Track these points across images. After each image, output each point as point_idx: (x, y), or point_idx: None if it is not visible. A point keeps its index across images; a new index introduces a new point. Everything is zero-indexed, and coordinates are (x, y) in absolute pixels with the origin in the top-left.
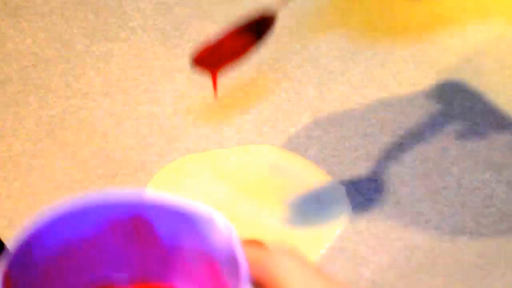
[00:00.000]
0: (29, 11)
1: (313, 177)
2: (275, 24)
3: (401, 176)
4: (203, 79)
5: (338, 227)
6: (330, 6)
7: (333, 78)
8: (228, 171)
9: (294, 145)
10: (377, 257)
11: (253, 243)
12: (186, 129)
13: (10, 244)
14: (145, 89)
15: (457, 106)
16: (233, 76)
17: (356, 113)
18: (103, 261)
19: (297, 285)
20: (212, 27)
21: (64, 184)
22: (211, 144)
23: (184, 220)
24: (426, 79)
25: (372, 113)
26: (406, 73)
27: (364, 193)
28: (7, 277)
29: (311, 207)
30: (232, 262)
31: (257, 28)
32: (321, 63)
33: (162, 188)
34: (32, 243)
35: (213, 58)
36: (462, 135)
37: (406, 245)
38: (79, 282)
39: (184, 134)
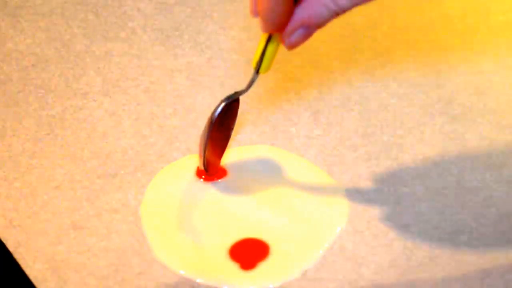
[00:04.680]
0: (29, 11)
1: (313, 177)
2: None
3: (401, 176)
4: (203, 79)
5: (338, 227)
6: None
7: (333, 78)
8: (228, 171)
9: (294, 145)
10: (377, 257)
11: (254, 243)
12: (186, 129)
13: (10, 244)
14: (145, 89)
15: (457, 106)
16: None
17: (356, 113)
18: None
19: None
20: (212, 27)
21: (64, 184)
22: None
23: None
24: (426, 79)
25: (372, 113)
26: (406, 73)
27: (364, 193)
28: None
29: (311, 207)
30: None
31: (226, 116)
32: (321, 63)
33: (163, 189)
34: None
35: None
36: (462, 135)
37: (406, 245)
38: None
39: (184, 134)
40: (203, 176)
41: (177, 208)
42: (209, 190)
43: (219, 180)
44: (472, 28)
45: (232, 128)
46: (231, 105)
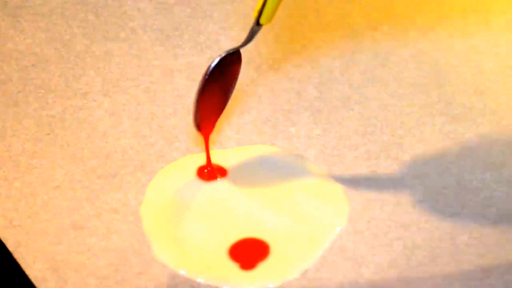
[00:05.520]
0: (29, 11)
1: (313, 177)
2: (241, 62)
3: (401, 176)
4: None
5: (338, 227)
6: (330, 6)
7: (333, 78)
8: (228, 171)
9: (294, 145)
10: (377, 257)
11: (254, 243)
12: (186, 129)
13: (10, 244)
14: (145, 89)
15: (457, 106)
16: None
17: (356, 113)
18: None
19: None
20: (212, 27)
21: (64, 184)
22: (211, 144)
23: None
24: (426, 79)
25: (372, 113)
26: (406, 73)
27: (364, 193)
28: None
29: (310, 207)
30: None
31: (226, 69)
32: (321, 63)
33: (163, 189)
34: None
35: (202, 123)
36: (462, 135)
37: (406, 245)
38: None
39: (184, 134)
40: (206, 170)
41: (177, 208)
42: (209, 190)
43: (219, 180)
44: (472, 28)
45: (231, 89)
46: (230, 60)
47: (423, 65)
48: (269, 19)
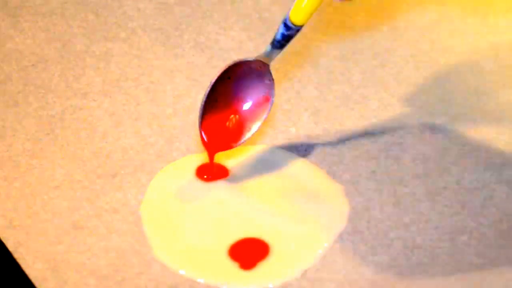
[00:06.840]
0: (29, 11)
1: (313, 177)
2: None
3: (401, 176)
4: (203, 79)
5: (338, 227)
6: (330, 6)
7: (333, 78)
8: (228, 171)
9: (294, 145)
10: (377, 257)
11: (254, 243)
12: (186, 129)
13: (10, 244)
14: (145, 89)
15: (456, 106)
16: None
17: (356, 113)
18: None
19: None
20: (212, 27)
21: (64, 184)
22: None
23: None
24: (426, 79)
25: (372, 113)
26: (406, 73)
27: (364, 193)
28: None
29: (311, 207)
30: None
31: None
32: (321, 63)
33: (163, 189)
34: None
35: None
36: (462, 135)
37: (406, 245)
38: None
39: (184, 134)
40: (205, 176)
41: (177, 208)
42: (209, 190)
43: (219, 180)
44: (472, 28)
45: (255, 120)
46: (250, 72)
47: (423, 65)
48: (301, 18)
